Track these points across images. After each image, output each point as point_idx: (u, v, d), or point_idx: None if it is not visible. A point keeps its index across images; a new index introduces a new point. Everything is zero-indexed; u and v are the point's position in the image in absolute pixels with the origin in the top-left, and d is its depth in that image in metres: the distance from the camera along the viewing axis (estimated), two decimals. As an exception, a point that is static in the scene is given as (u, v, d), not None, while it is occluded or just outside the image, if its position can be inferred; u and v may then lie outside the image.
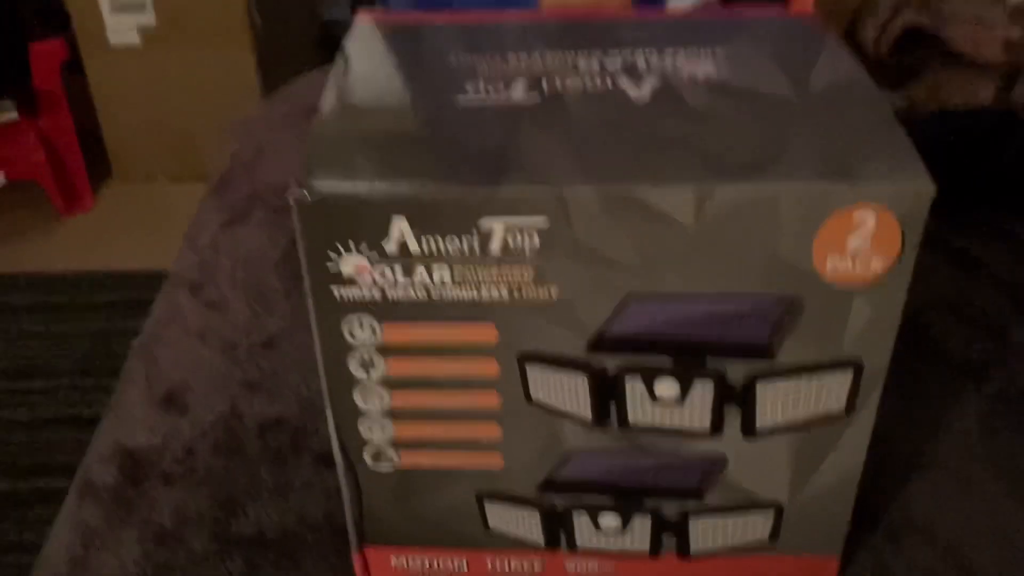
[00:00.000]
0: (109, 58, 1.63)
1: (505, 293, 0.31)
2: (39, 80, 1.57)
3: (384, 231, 0.30)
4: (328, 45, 2.00)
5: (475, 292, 0.31)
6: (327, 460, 0.44)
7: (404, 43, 0.36)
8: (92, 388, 1.29)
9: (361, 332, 0.32)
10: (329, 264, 0.30)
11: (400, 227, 0.30)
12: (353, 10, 1.90)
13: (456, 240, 0.30)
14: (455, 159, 0.30)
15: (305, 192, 0.29)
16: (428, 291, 0.31)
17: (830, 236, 0.29)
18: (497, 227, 0.29)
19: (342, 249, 0.30)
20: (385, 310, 0.31)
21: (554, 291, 0.31)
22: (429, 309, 0.31)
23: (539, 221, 0.29)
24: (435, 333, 0.32)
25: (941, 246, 0.58)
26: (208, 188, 0.74)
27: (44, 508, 1.12)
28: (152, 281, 0.69)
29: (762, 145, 0.30)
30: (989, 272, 0.57)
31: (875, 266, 0.30)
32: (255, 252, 0.65)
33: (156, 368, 0.56)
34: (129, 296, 1.42)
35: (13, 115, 1.53)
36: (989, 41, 0.55)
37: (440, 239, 0.30)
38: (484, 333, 0.32)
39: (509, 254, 0.30)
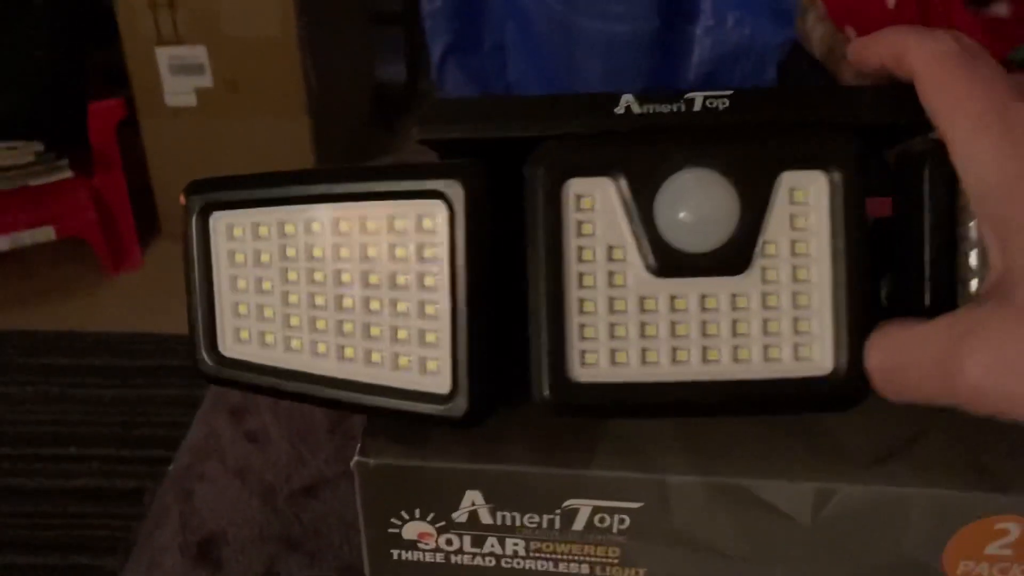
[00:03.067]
0: (165, 118, 1.64)
1: (586, 569, 0.27)
2: (95, 138, 1.58)
3: (455, 503, 0.26)
4: (383, 107, 1.99)
5: (552, 566, 0.27)
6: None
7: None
8: (128, 459, 1.27)
9: (421, 593, 0.29)
10: (391, 529, 0.27)
11: (473, 499, 0.26)
12: (409, 72, 1.88)
13: (536, 517, 0.26)
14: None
15: (369, 459, 0.26)
16: (498, 560, 0.27)
17: (965, 542, 0.25)
18: (584, 508, 0.26)
19: (407, 516, 0.27)
20: (449, 575, 0.28)
21: (641, 572, 0.27)
22: (499, 578, 0.28)
23: (632, 505, 0.26)
24: (503, 602, 0.28)
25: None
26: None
27: (69, 587, 1.10)
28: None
29: (890, 434, 0.26)
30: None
31: (1015, 573, 0.26)
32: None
33: (191, 508, 0.53)
34: (173, 362, 1.40)
35: (67, 173, 1.53)
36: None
37: (519, 515, 0.26)
38: (559, 606, 0.28)
39: (594, 532, 0.26)
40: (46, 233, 1.56)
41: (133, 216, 1.66)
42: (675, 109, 0.25)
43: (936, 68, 0.23)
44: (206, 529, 0.51)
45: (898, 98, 0.26)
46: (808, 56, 0.74)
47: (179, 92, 1.62)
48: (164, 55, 1.59)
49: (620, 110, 0.25)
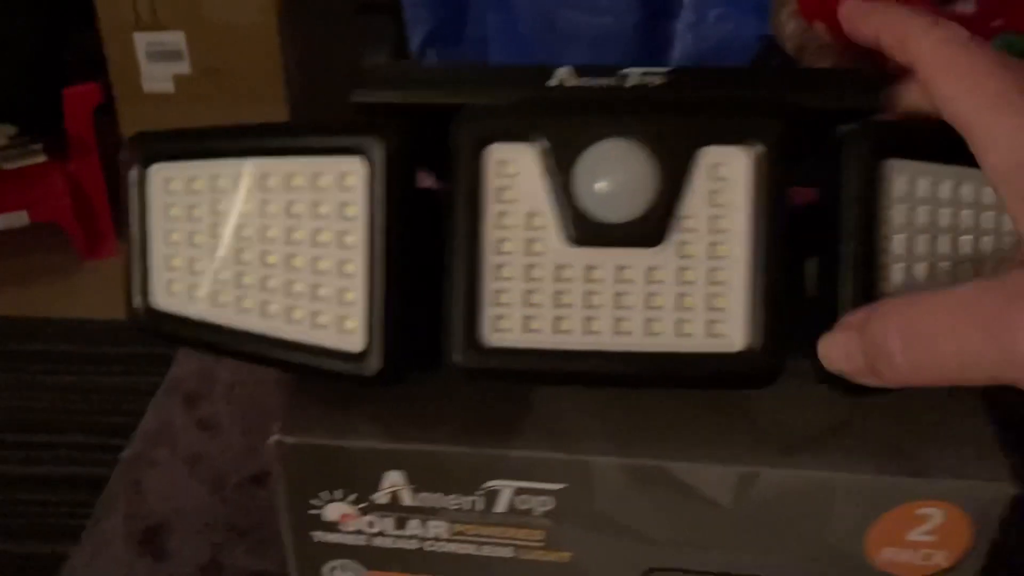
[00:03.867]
0: (142, 104, 1.62)
1: (509, 552, 0.27)
2: (71, 123, 1.56)
3: (376, 484, 0.26)
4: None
5: (475, 548, 0.27)
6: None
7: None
8: (97, 447, 1.26)
9: (343, 575, 0.28)
10: (311, 511, 0.27)
11: (394, 480, 0.26)
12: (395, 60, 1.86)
13: (458, 498, 0.26)
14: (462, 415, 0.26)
15: (287, 437, 0.25)
16: (422, 543, 0.27)
17: (888, 528, 0.25)
18: (505, 489, 0.26)
19: (327, 497, 0.26)
20: (371, 557, 0.28)
21: (566, 556, 0.27)
22: (422, 561, 0.27)
23: (554, 487, 0.25)
24: (428, 584, 0.28)
25: None
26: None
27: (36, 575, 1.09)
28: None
29: (814, 421, 0.26)
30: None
31: (938, 560, 0.26)
32: (257, 366, 0.61)
33: (139, 495, 0.52)
34: (146, 350, 1.39)
35: (41, 158, 1.51)
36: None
37: (440, 496, 0.26)
38: (483, 590, 0.28)
39: (517, 515, 0.26)
40: (19, 218, 1.55)
41: (109, 202, 1.65)
42: (609, 83, 0.25)
43: (947, 53, 0.23)
44: (153, 517, 0.50)
45: (833, 83, 0.26)
46: (781, 51, 0.74)
47: (157, 78, 1.61)
48: (142, 40, 1.58)
49: (554, 82, 0.25)
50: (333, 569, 0.28)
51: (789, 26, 0.71)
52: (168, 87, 1.61)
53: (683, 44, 1.41)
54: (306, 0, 1.67)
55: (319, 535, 0.27)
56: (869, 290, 0.23)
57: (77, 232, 1.62)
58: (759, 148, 0.23)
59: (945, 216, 0.25)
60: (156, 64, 1.59)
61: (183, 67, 1.59)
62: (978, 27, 0.49)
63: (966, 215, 0.25)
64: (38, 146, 1.51)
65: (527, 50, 1.42)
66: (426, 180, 0.26)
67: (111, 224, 1.66)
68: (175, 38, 1.57)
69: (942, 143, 0.24)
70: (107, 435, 1.28)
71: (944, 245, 0.24)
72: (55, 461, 1.24)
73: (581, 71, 0.25)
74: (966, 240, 0.25)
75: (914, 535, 0.25)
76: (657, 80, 0.25)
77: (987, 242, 0.25)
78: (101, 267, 1.64)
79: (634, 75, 0.25)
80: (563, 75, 0.25)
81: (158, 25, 1.56)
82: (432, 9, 1.46)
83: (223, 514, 0.50)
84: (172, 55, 1.59)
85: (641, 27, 1.35)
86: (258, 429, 0.56)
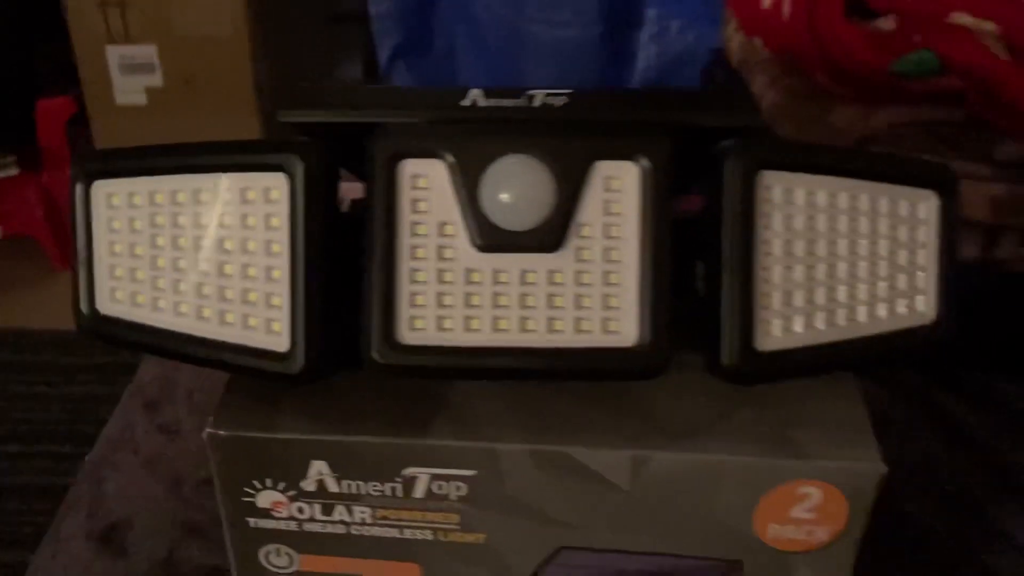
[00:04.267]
0: (116, 117, 1.64)
1: (429, 535, 0.29)
2: (44, 136, 1.57)
3: (303, 472, 0.28)
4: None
5: (397, 532, 0.29)
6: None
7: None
8: (68, 456, 1.27)
9: (278, 559, 0.30)
10: (245, 499, 0.29)
11: (319, 468, 0.28)
12: (366, 72, 1.88)
13: (379, 485, 0.28)
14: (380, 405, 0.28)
15: (220, 430, 0.27)
16: (348, 528, 0.29)
17: (772, 506, 0.27)
18: (422, 476, 0.28)
19: (259, 485, 0.28)
20: (303, 542, 0.30)
21: (481, 537, 0.29)
22: (349, 544, 0.30)
23: (466, 473, 0.28)
24: (355, 566, 0.30)
25: (927, 410, 0.56)
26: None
27: (6, 583, 1.10)
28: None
29: (703, 409, 0.28)
30: (973, 442, 0.55)
31: (819, 536, 0.28)
32: (215, 372, 0.63)
33: (100, 497, 0.54)
34: (120, 359, 1.40)
35: (14, 171, 1.53)
36: (976, 198, 0.54)
37: (362, 483, 0.28)
38: (407, 571, 0.30)
39: (434, 500, 0.28)
40: (-8, 231, 1.56)
41: (82, 214, 1.66)
42: (516, 103, 0.27)
43: None
44: (113, 516, 0.52)
45: (714, 102, 0.28)
46: (727, 63, 0.77)
47: (129, 91, 1.62)
48: (114, 54, 1.59)
49: (467, 102, 0.27)
50: (268, 553, 0.30)
51: (734, 41, 0.74)
52: (141, 99, 1.63)
53: (646, 55, 1.44)
54: (277, 12, 1.69)
55: (254, 521, 0.29)
56: (748, 290, 0.26)
57: (51, 244, 1.63)
58: (646, 163, 0.26)
59: (822, 221, 0.27)
60: (128, 77, 1.60)
61: (156, 79, 1.61)
62: (898, 43, 0.51)
63: (842, 220, 0.27)
64: (11, 159, 1.52)
65: (493, 62, 1.44)
66: (358, 187, 0.28)
67: (84, 235, 1.67)
68: (147, 51, 1.59)
69: (816, 157, 0.27)
70: (78, 444, 1.29)
71: (821, 248, 0.27)
72: (31, 471, 1.25)
73: (490, 93, 0.27)
74: (843, 243, 0.27)
75: (796, 512, 0.28)
76: (559, 101, 0.27)
77: (863, 245, 0.27)
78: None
79: (539, 96, 0.27)
80: (475, 96, 0.27)
81: (130, 39, 1.58)
82: (400, 22, 1.48)
83: (180, 513, 0.52)
84: (144, 68, 1.60)
85: (605, 38, 1.38)
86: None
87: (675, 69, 1.42)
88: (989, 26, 0.51)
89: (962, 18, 0.51)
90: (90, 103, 1.62)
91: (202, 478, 0.54)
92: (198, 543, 0.50)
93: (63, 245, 1.65)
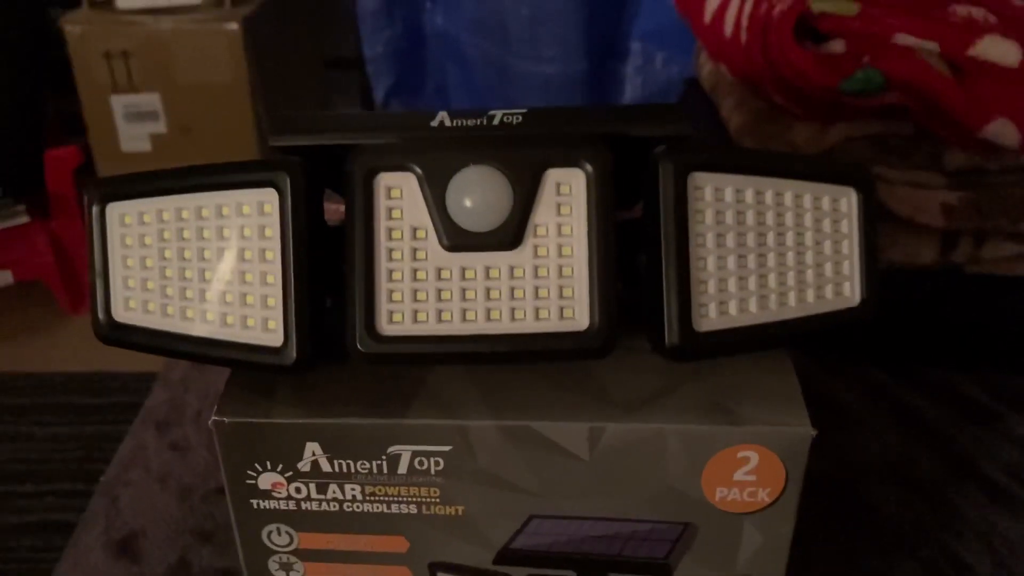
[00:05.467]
0: (121, 163, 1.68)
1: (414, 509, 0.32)
2: (52, 184, 1.62)
3: (299, 454, 0.31)
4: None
5: (385, 507, 0.33)
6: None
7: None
8: (81, 494, 1.30)
9: (280, 538, 0.34)
10: (248, 481, 0.32)
11: (313, 450, 0.31)
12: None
13: (366, 463, 0.32)
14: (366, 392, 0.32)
15: (224, 417, 0.31)
16: (341, 505, 0.33)
17: (717, 470, 0.31)
18: (404, 453, 0.31)
19: (260, 468, 0.32)
20: (301, 520, 0.33)
21: (460, 509, 0.32)
22: (342, 521, 0.33)
23: (443, 448, 0.31)
24: (349, 541, 0.34)
25: (890, 404, 0.60)
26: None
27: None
28: (153, 382, 0.71)
29: (650, 385, 0.31)
30: (935, 433, 0.58)
31: (762, 497, 0.31)
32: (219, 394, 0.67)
33: (116, 511, 0.58)
34: (130, 398, 1.44)
35: (24, 218, 1.57)
36: (927, 205, 0.57)
37: (352, 463, 0.32)
38: (395, 544, 0.33)
39: (416, 475, 0.32)
40: (4, 277, 1.60)
41: (90, 259, 1.70)
42: (477, 123, 0.31)
43: None
44: (128, 528, 0.55)
45: (649, 115, 0.32)
46: (701, 90, 0.81)
47: (134, 138, 1.67)
48: (119, 103, 1.65)
49: (435, 123, 0.31)
50: (270, 532, 0.33)
51: (705, 68, 0.78)
52: (145, 146, 1.68)
53: (632, 87, 1.48)
54: (276, 58, 1.74)
55: (256, 502, 0.33)
56: (686, 278, 0.29)
57: (61, 289, 1.67)
58: (591, 169, 0.29)
59: (750, 216, 0.31)
60: (133, 124, 1.66)
61: (159, 127, 1.66)
62: (847, 63, 0.55)
63: (769, 215, 0.31)
64: (21, 207, 1.57)
65: (482, 99, 1.49)
66: (340, 205, 0.32)
67: (93, 280, 1.72)
68: (150, 99, 1.65)
69: (742, 159, 0.31)
70: (94, 480, 1.32)
71: (751, 240, 0.31)
72: (45, 509, 1.28)
73: (454, 114, 0.31)
74: (771, 235, 0.31)
75: (739, 475, 0.31)
76: (515, 119, 0.31)
77: (790, 236, 0.31)
78: (85, 322, 1.69)
79: (498, 115, 0.31)
80: (442, 117, 0.31)
81: (134, 88, 1.63)
82: (392, 65, 1.54)
83: (191, 521, 0.55)
84: (148, 116, 1.66)
85: (591, 72, 1.43)
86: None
87: (661, 98, 1.47)
88: (931, 45, 0.55)
89: (906, 39, 0.55)
90: (96, 151, 1.67)
91: (210, 489, 0.57)
92: (208, 548, 0.53)
93: (73, 290, 1.70)
